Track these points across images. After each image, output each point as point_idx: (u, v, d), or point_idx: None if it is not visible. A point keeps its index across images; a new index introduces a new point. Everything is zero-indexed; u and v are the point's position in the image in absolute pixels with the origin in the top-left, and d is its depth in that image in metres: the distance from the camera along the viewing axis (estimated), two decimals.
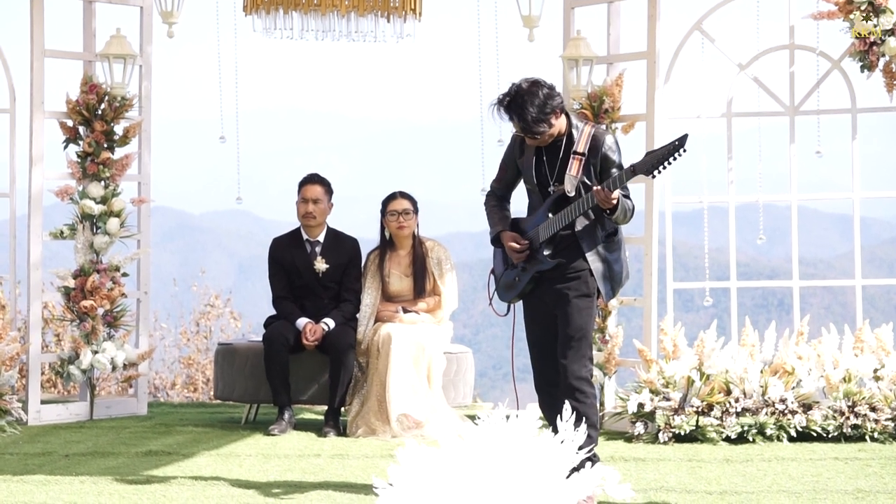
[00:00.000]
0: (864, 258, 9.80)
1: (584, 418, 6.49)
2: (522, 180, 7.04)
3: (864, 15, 8.99)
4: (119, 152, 9.99)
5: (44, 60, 9.70)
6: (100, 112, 9.87)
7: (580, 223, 6.79)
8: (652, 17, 9.38)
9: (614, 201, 6.61)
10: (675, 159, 6.50)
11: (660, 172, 6.56)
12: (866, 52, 9.10)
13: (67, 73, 10.18)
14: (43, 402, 9.85)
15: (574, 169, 6.74)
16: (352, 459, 8.20)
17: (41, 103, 9.69)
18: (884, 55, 9.09)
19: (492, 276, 7.22)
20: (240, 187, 10.27)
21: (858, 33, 9.05)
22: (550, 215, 6.81)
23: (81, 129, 9.89)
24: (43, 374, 10.87)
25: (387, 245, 9.59)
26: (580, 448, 6.62)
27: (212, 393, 13.29)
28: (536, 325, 7.03)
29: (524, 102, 6.64)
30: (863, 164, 9.65)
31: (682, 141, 6.48)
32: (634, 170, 6.58)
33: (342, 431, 9.20)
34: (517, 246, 6.92)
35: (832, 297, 54.29)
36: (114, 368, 9.90)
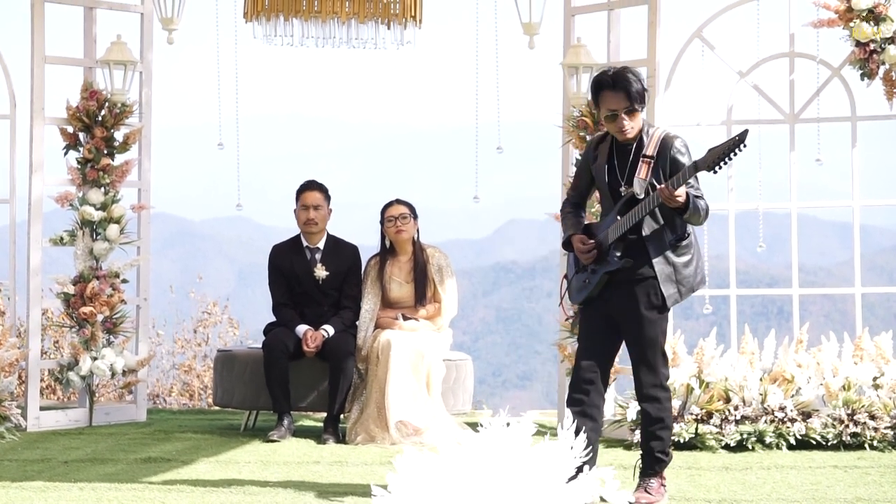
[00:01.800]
0: (864, 266, 9.81)
1: (658, 423, 6.95)
2: (596, 187, 7.11)
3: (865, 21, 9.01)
4: (119, 158, 9.99)
5: (44, 67, 9.71)
6: (100, 118, 9.88)
7: (648, 227, 6.82)
8: (652, 25, 9.39)
9: (680, 198, 6.64)
10: (735, 154, 6.58)
11: (720, 168, 6.62)
12: (866, 60, 9.11)
13: (68, 79, 10.19)
14: (42, 408, 9.85)
15: (643, 172, 6.81)
16: (351, 466, 8.20)
17: (41, 109, 9.70)
18: (884, 63, 9.10)
19: (564, 280, 7.27)
20: (240, 194, 10.28)
21: (857, 40, 9.06)
22: (619, 217, 6.85)
23: (82, 136, 9.89)
24: (42, 380, 10.87)
25: (387, 252, 9.60)
26: (657, 450, 6.95)
27: (210, 400, 13.28)
28: (593, 324, 7.06)
29: (629, 76, 6.85)
30: (863, 171, 9.66)
31: (742, 136, 6.55)
32: (697, 166, 6.65)
33: (341, 438, 9.19)
34: (583, 246, 6.97)
35: (832, 304, 54.30)
36: (113, 375, 9.90)
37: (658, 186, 6.68)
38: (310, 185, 9.66)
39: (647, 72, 9.39)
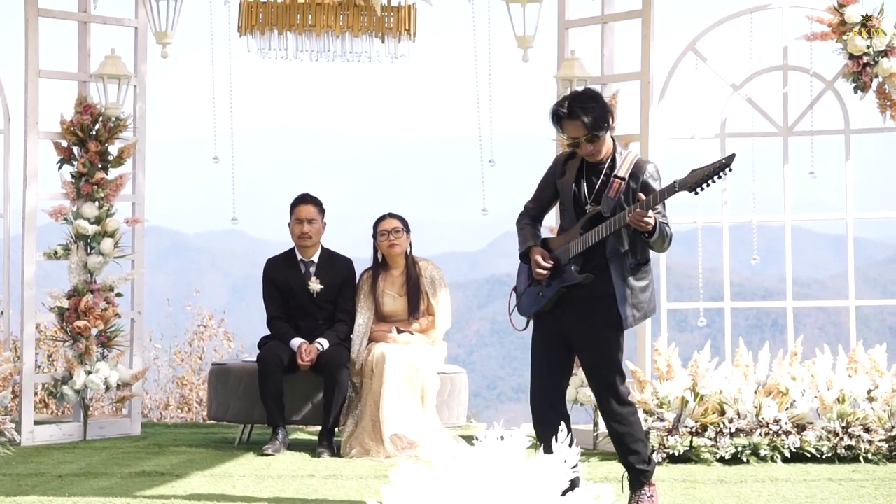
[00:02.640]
0: (858, 279, 9.82)
1: (629, 438, 6.93)
2: (559, 202, 7.07)
3: (858, 34, 9.03)
4: (113, 172, 9.99)
5: (38, 81, 9.71)
6: (94, 132, 9.87)
7: (611, 248, 6.79)
8: (646, 38, 9.40)
9: (649, 220, 6.62)
10: (720, 177, 6.53)
11: (702, 189, 6.58)
12: (859, 73, 9.13)
13: (62, 93, 10.19)
14: (36, 422, 9.83)
15: (613, 191, 6.78)
16: (346, 480, 8.19)
17: (35, 123, 9.70)
18: (877, 76, 9.12)
19: (513, 293, 7.22)
20: (235, 207, 10.28)
21: (851, 53, 9.08)
22: (581, 233, 6.83)
23: (76, 150, 9.89)
24: (36, 394, 10.85)
25: (380, 265, 9.60)
26: (637, 463, 6.90)
27: (205, 413, 13.26)
28: (545, 342, 7.03)
29: (588, 102, 6.78)
30: (856, 184, 9.67)
31: (729, 160, 6.52)
32: (677, 186, 6.60)
33: (336, 452, 9.19)
34: (543, 262, 6.94)
35: (826, 317, 54.39)
36: (107, 389, 9.88)
37: (629, 208, 6.65)
38: (304, 199, 9.67)
39: (641, 84, 9.42)
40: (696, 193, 6.63)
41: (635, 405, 7.16)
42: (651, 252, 6.92)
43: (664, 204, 6.76)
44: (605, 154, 6.87)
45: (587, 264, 6.85)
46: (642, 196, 6.66)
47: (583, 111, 6.74)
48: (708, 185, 6.55)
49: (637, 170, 6.82)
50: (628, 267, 6.82)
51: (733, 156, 6.54)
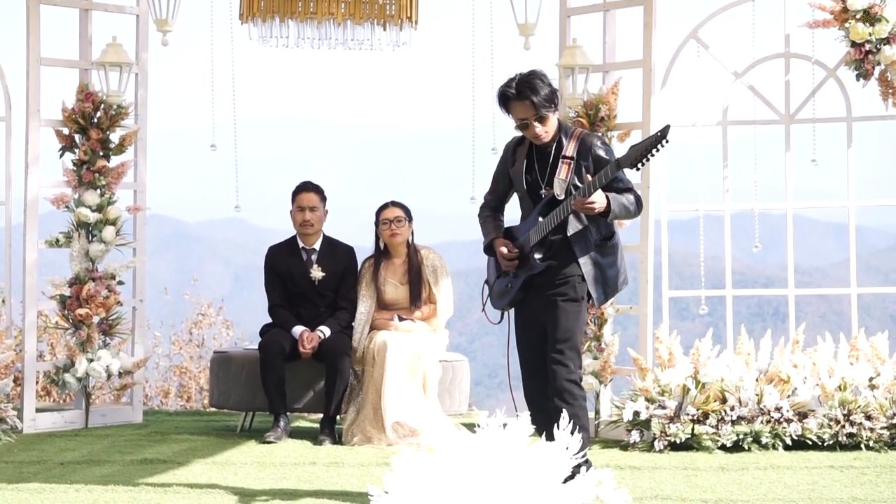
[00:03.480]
0: (860, 267, 9.81)
1: (573, 420, 6.60)
2: (515, 190, 7.08)
3: (860, 21, 9.02)
4: (115, 160, 9.98)
5: (39, 68, 9.70)
6: (96, 120, 9.86)
7: (572, 227, 6.81)
8: (648, 26, 9.39)
9: (594, 205, 6.63)
10: (657, 150, 6.57)
11: (643, 164, 6.63)
12: (862, 61, 9.11)
13: (63, 80, 10.18)
14: (38, 410, 9.84)
15: (563, 172, 6.80)
16: (347, 467, 8.20)
17: (37, 111, 9.69)
18: (879, 64, 9.11)
19: (485, 286, 7.23)
20: (238, 195, 10.27)
21: (853, 41, 9.06)
22: (540, 219, 6.84)
23: (77, 138, 9.88)
24: (37, 382, 10.86)
25: (381, 254, 9.60)
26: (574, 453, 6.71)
27: (206, 401, 13.27)
28: (526, 334, 7.04)
29: (535, 81, 6.78)
30: (858, 172, 9.66)
31: (664, 132, 6.55)
32: (619, 163, 6.65)
33: (338, 439, 9.19)
34: (507, 252, 6.94)
35: (827, 305, 54.40)
36: (109, 376, 9.89)
37: (573, 193, 6.66)
38: (305, 187, 9.66)
39: (643, 72, 9.41)
40: (638, 169, 6.69)
41: (585, 392, 7.08)
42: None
43: (623, 170, 6.78)
44: (553, 136, 6.88)
45: (551, 249, 6.86)
46: (589, 178, 6.68)
47: (531, 91, 6.76)
48: (648, 160, 6.61)
49: (584, 146, 6.85)
50: (592, 244, 6.85)
51: (668, 127, 6.58)
